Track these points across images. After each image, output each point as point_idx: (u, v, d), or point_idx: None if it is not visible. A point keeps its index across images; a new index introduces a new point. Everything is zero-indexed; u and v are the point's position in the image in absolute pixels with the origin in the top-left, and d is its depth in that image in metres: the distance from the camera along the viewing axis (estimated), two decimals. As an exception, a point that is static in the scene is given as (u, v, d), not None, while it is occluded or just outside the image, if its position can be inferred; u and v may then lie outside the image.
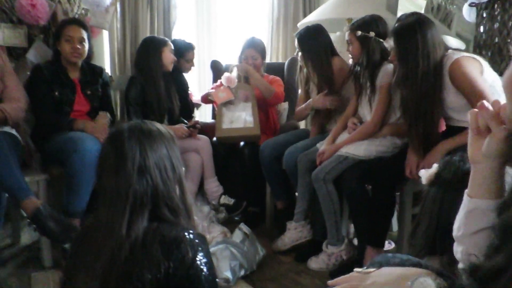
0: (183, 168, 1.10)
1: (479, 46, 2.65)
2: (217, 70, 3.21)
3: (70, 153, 2.01)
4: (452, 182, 0.76)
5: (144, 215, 0.98)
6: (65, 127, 2.20)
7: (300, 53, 2.42)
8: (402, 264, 0.83)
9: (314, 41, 2.38)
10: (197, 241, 0.96)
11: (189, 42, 3.00)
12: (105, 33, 2.95)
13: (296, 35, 2.46)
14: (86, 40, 2.34)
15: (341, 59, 2.41)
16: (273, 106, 2.87)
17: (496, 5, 2.52)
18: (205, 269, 0.95)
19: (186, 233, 0.96)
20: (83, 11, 2.66)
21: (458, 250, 0.77)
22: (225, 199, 2.62)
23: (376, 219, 1.97)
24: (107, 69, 3.01)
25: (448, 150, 1.77)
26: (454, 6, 3.26)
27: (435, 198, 0.98)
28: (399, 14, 3.39)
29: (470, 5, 2.70)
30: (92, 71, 2.45)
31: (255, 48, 2.81)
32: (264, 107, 2.80)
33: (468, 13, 2.81)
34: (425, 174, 1.04)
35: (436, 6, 3.36)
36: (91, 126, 2.23)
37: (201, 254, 0.95)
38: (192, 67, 3.05)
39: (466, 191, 0.75)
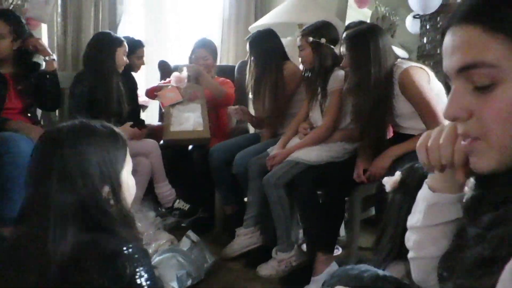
0: (124, 174, 1.01)
1: (422, 56, 2.76)
2: (165, 70, 3.10)
3: (1, 155, 1.84)
4: (417, 189, 0.77)
5: (69, 228, 0.87)
6: (-4, 127, 2.02)
7: (251, 57, 2.39)
8: (360, 277, 0.81)
9: (266, 45, 2.36)
10: (136, 255, 0.87)
11: (138, 39, 2.90)
12: (44, 27, 2.75)
13: (248, 39, 2.43)
14: (9, 35, 2.15)
15: (293, 63, 2.41)
16: (223, 108, 2.81)
17: (439, 18, 2.63)
18: (145, 285, 0.87)
19: (124, 247, 0.87)
20: (19, 1, 2.46)
21: (411, 238, 0.77)
22: (179, 204, 2.53)
23: (326, 224, 1.97)
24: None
25: (396, 156, 1.81)
26: (398, 18, 3.39)
27: (400, 204, 0.99)
28: (347, 22, 3.49)
29: (415, 16, 2.80)
30: (24, 65, 2.26)
31: (206, 49, 2.76)
32: (214, 109, 2.74)
33: (411, 25, 2.92)
34: (389, 182, 1.05)
35: (381, 17, 3.47)
36: (26, 126, 2.06)
37: (141, 269, 0.87)
38: (142, 66, 2.94)
39: (427, 182, 0.74)
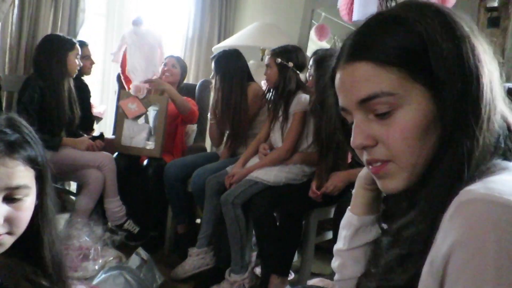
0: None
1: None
2: (123, 83, 3.01)
3: None
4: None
5: None
6: None
7: (216, 76, 2.39)
8: None
9: (231, 64, 2.37)
10: None
11: (80, 40, 2.74)
12: (-3, 26, 2.60)
13: (213, 57, 2.43)
14: None
15: (257, 84, 2.43)
16: (186, 124, 2.76)
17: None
18: None
19: None
20: (-29, -4, 2.31)
21: (335, 264, 0.81)
22: (129, 225, 2.41)
23: (282, 246, 1.95)
24: (-5, 66, 2.65)
25: (351, 179, 1.84)
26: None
27: None
28: (308, 52, 3.60)
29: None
30: None
31: (176, 59, 2.81)
32: (174, 125, 2.69)
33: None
34: None
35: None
36: None
37: None
38: (93, 65, 2.85)
39: (350, 209, 0.81)
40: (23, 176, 0.79)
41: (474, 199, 0.46)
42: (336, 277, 0.82)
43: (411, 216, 0.58)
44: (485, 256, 0.43)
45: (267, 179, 2.06)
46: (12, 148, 0.78)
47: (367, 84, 0.58)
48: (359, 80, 0.59)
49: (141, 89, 2.50)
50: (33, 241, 0.85)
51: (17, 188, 0.78)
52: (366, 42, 0.60)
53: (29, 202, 0.81)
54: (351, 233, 0.78)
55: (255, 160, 2.22)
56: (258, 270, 2.20)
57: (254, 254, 2.26)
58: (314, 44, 3.59)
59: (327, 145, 1.93)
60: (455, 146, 0.54)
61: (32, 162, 0.81)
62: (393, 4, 2.61)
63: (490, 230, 0.43)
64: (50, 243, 0.87)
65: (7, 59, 2.66)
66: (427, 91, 0.56)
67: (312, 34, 3.48)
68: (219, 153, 2.60)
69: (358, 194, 0.79)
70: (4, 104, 2.63)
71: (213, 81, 2.44)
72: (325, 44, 3.56)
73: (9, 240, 0.79)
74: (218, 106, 2.43)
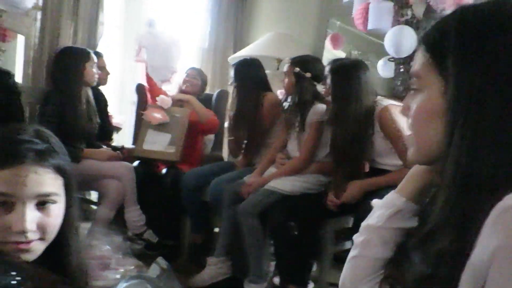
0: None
1: (394, 97, 2.86)
2: (142, 94, 3.07)
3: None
4: None
5: None
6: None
7: (235, 84, 2.42)
8: None
9: (248, 73, 2.40)
10: None
11: (96, 50, 2.80)
12: (21, 39, 2.68)
13: (233, 65, 2.46)
14: None
15: (274, 94, 2.45)
16: (206, 134, 2.82)
17: (411, 62, 2.76)
18: None
19: None
20: (-4, 11, 2.39)
21: (359, 239, 0.79)
22: (148, 235, 2.45)
23: (300, 256, 1.95)
24: (19, 79, 2.71)
25: (370, 186, 1.84)
26: (369, 62, 3.54)
27: None
28: (324, 61, 3.61)
29: (389, 59, 2.93)
30: None
31: (198, 71, 2.91)
32: (193, 135, 2.74)
33: (382, 69, 3.06)
34: (378, 203, 1.04)
35: (353, 60, 3.62)
36: None
37: None
38: (108, 76, 2.90)
39: (396, 191, 0.79)
40: (53, 183, 0.83)
41: None
42: (353, 253, 0.79)
43: (438, 226, 0.58)
44: None
45: (283, 188, 2.07)
46: (42, 157, 0.81)
47: (416, 61, 0.65)
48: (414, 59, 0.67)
49: (167, 101, 2.65)
50: (59, 249, 0.88)
51: (48, 195, 0.82)
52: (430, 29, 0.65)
53: (58, 209, 0.85)
54: (391, 212, 0.76)
55: (272, 170, 2.23)
56: (276, 280, 2.20)
57: (273, 264, 2.26)
58: (329, 53, 3.61)
59: (344, 155, 1.93)
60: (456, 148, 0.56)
61: (60, 170, 0.84)
62: (409, 12, 2.63)
63: None
64: (77, 251, 0.90)
65: (30, 72, 2.73)
66: (443, 85, 0.60)
67: (327, 43, 3.50)
68: (236, 162, 2.63)
69: (412, 177, 0.78)
70: (27, 115, 2.70)
71: (232, 88, 2.48)
72: (340, 53, 3.57)
73: (40, 247, 0.82)
74: (234, 115, 2.46)
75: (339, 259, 2.22)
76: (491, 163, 0.53)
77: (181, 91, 2.82)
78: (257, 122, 2.39)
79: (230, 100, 2.56)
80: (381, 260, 0.75)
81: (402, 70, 2.77)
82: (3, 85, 2.18)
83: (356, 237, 0.80)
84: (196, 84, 2.86)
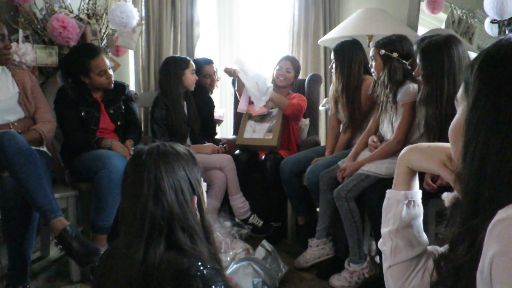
0: (205, 188, 1.12)
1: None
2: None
3: (98, 170, 2.07)
4: None
5: (161, 240, 0.96)
6: (93, 145, 2.27)
7: (334, 65, 2.45)
8: None
9: (350, 54, 2.41)
10: (209, 275, 0.93)
11: (204, 57, 3.06)
12: (131, 51, 3.03)
13: (333, 47, 2.48)
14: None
15: (372, 79, 2.41)
16: (293, 119, 2.88)
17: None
18: None
19: (198, 267, 0.93)
20: (110, 31, 2.74)
21: (386, 247, 0.84)
22: (253, 219, 2.67)
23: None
24: (132, 86, 3.10)
25: None
26: (476, 20, 3.26)
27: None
28: (420, 29, 3.41)
29: (492, 21, 2.70)
30: (113, 89, 2.45)
31: (291, 61, 2.92)
32: (288, 122, 2.87)
33: (490, 28, 2.80)
34: (448, 197, 1.06)
35: (457, 20, 3.35)
36: (119, 145, 2.28)
37: (216, 286, 0.93)
38: (217, 82, 3.13)
39: (391, 190, 0.87)
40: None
41: (508, 217, 0.54)
42: (386, 264, 0.85)
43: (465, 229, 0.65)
44: None
45: (378, 171, 2.08)
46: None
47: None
48: None
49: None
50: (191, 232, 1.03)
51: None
52: None
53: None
54: (399, 209, 0.83)
55: (366, 153, 2.25)
56: (378, 259, 2.25)
57: (374, 243, 2.30)
58: (428, 16, 3.39)
59: (440, 135, 1.87)
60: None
61: None
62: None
63: None
64: (208, 231, 1.07)
65: (141, 79, 3.10)
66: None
67: (424, 7, 3.30)
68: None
69: (398, 170, 0.87)
70: (143, 119, 3.08)
71: (333, 70, 2.50)
72: (441, 15, 3.34)
73: None
74: (337, 95, 2.49)
75: (441, 239, 2.18)
76: (494, 186, 0.59)
77: (275, 84, 2.89)
78: (356, 105, 2.41)
79: (326, 83, 2.57)
80: (415, 258, 0.82)
81: (507, 32, 2.54)
82: (123, 95, 2.53)
83: (381, 246, 0.87)
84: (289, 77, 2.90)
